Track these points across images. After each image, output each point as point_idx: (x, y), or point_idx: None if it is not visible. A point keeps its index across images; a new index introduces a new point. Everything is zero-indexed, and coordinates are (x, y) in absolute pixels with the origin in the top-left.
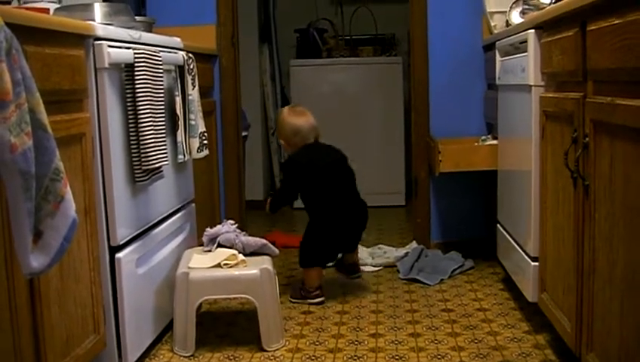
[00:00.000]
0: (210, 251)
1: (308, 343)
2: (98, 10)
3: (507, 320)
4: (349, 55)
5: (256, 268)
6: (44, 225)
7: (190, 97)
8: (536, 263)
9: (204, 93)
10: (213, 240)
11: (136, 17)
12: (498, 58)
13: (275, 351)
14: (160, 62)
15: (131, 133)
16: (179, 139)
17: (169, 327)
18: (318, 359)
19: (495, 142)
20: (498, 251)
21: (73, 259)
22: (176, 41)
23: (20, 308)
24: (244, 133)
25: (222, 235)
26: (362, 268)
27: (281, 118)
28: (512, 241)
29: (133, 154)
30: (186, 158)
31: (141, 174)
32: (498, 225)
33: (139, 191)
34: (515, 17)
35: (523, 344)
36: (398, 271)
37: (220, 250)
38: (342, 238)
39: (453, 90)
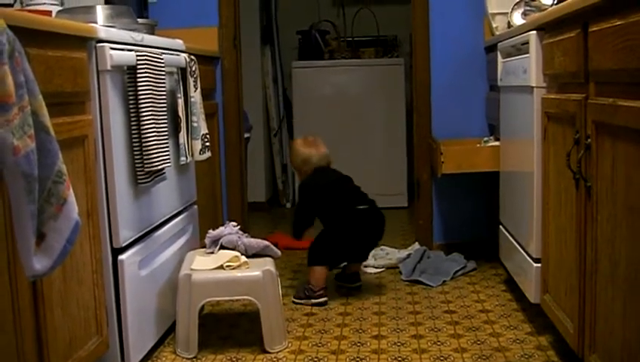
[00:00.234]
0: (212, 253)
1: (310, 345)
2: (100, 12)
3: (510, 322)
4: (350, 56)
5: (259, 269)
6: (46, 228)
7: (192, 99)
8: (539, 264)
9: (206, 95)
10: (215, 242)
11: (139, 19)
12: (500, 59)
13: (277, 352)
14: (162, 65)
15: (134, 135)
16: (181, 141)
17: (172, 329)
18: (321, 361)
19: (497, 143)
20: (500, 252)
21: (76, 262)
22: (179, 43)
23: (22, 311)
24: (246, 135)
25: (224, 237)
26: (365, 269)
27: (293, 148)
28: (515, 243)
29: (136, 157)
30: (188, 160)
31: (143, 176)
32: (500, 227)
33: (141, 193)
34: (517, 19)
35: (525, 345)
36: (400, 273)
37: (222, 251)
38: (353, 246)
39: (455, 91)
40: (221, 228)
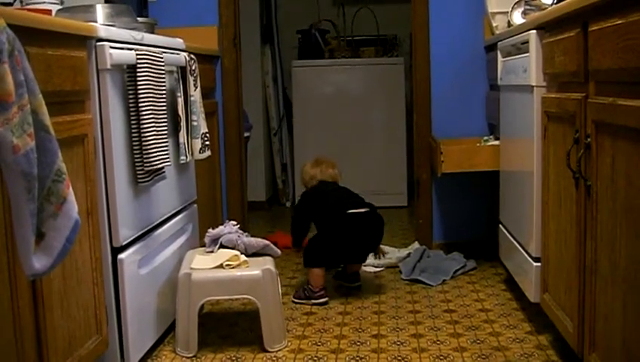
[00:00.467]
0: (212, 252)
1: (310, 344)
2: (100, 11)
3: (509, 321)
4: (350, 56)
5: (259, 268)
6: (46, 227)
7: (192, 98)
8: (539, 264)
9: (206, 94)
10: (215, 241)
11: (139, 18)
12: (500, 59)
13: (277, 351)
14: (162, 64)
15: (133, 134)
16: (181, 140)
17: (171, 328)
18: (321, 360)
19: (497, 142)
20: (500, 252)
21: (75, 261)
22: (179, 42)
23: (22, 310)
24: (246, 134)
25: (224, 236)
26: (364, 268)
27: (303, 168)
28: (514, 242)
29: (136, 155)
30: (188, 159)
31: (143, 175)
32: (500, 226)
33: (141, 192)
34: (517, 18)
35: (525, 344)
36: (400, 272)
37: (222, 250)
38: (346, 249)
39: (455, 90)
40: (221, 227)
